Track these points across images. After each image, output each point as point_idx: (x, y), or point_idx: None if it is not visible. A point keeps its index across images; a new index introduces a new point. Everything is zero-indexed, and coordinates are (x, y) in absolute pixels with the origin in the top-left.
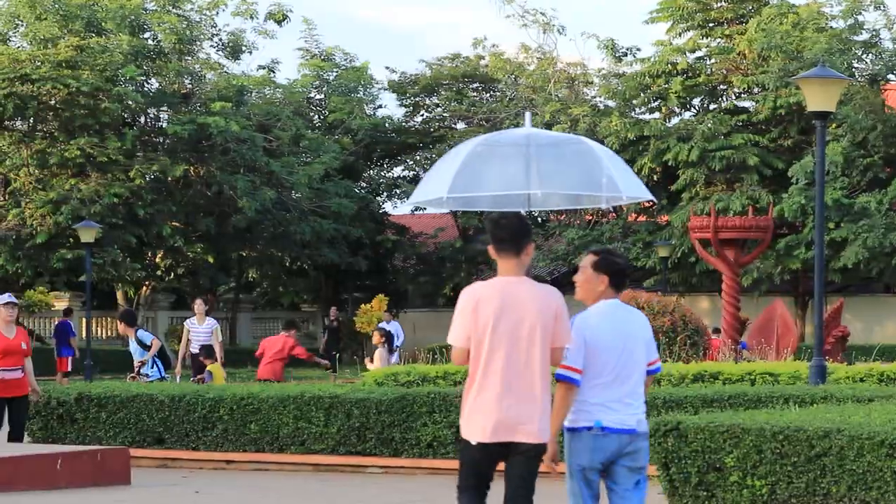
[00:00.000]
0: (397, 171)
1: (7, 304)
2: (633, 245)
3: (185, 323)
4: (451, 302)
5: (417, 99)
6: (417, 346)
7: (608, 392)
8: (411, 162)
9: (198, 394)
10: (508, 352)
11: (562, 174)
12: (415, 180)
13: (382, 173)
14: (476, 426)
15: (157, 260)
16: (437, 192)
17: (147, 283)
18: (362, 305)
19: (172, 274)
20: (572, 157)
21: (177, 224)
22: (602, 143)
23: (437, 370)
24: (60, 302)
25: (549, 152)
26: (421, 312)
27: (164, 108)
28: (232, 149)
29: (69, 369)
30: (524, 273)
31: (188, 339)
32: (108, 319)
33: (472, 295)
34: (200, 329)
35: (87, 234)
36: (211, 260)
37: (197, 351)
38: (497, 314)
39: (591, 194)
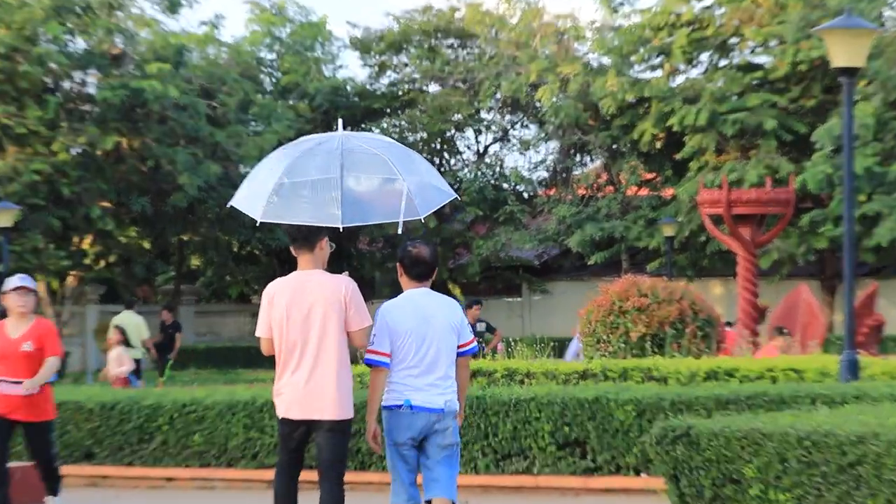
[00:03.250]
0: None
1: (18, 288)
2: (633, 223)
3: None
4: None
5: (384, 58)
6: None
7: (416, 374)
8: (377, 130)
9: (132, 400)
10: (303, 337)
11: (364, 208)
12: None
13: None
14: (282, 404)
15: (85, 246)
16: (252, 212)
17: (73, 273)
18: None
19: (103, 262)
20: (375, 185)
21: (107, 204)
22: (596, 106)
23: None
24: None
25: (355, 181)
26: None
27: (92, 72)
28: (170, 117)
29: None
30: (321, 265)
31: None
32: None
33: (269, 289)
34: None
35: (4, 218)
36: (147, 246)
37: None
38: (289, 304)
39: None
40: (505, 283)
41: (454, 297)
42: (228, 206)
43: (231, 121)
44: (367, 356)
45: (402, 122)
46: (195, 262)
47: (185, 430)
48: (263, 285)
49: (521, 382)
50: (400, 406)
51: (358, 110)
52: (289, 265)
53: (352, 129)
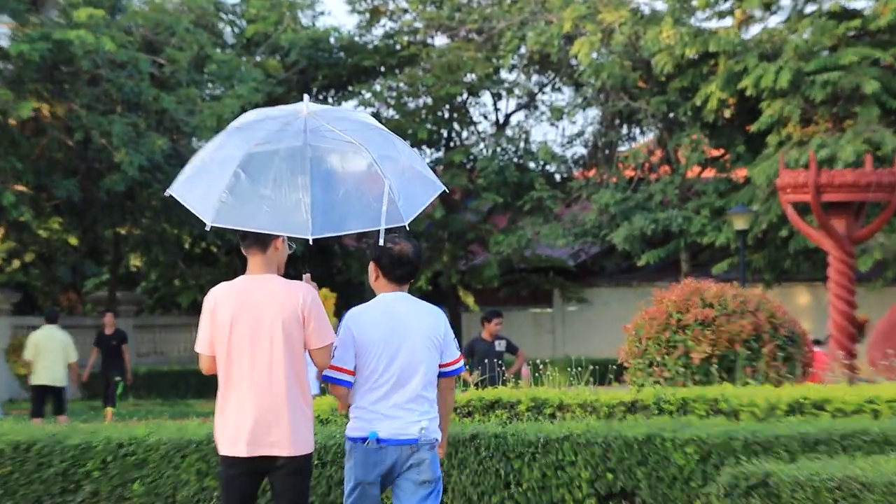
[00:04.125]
0: (348, 106)
1: None
2: (695, 213)
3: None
4: (427, 297)
5: (377, 3)
6: None
7: (385, 397)
8: (368, 94)
9: (54, 440)
10: (249, 356)
11: (339, 214)
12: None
13: None
14: (225, 438)
15: None
16: (202, 212)
17: None
18: None
19: (16, 262)
20: (351, 185)
21: (23, 189)
22: (648, 63)
23: None
24: None
25: (326, 180)
26: None
27: (4, 19)
28: (104, 77)
29: None
30: (275, 269)
31: None
32: None
33: (211, 296)
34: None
35: None
36: (73, 242)
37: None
38: (234, 316)
39: (373, 228)
40: (531, 289)
41: (465, 307)
42: (167, 193)
43: (182, 82)
44: (326, 372)
45: (401, 85)
46: (135, 262)
47: (121, 478)
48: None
49: (552, 417)
50: (364, 439)
51: (344, 69)
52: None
53: (336, 94)
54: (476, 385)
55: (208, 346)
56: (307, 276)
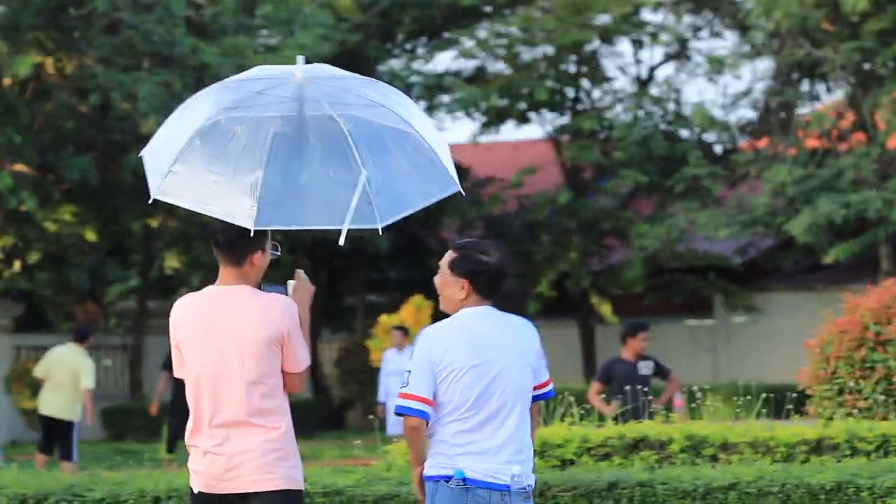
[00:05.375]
0: (443, 59)
1: None
2: None
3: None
4: (551, 307)
5: None
6: None
7: (471, 431)
8: (470, 43)
9: (72, 491)
10: (212, 378)
11: (294, 205)
12: (475, 78)
13: (414, 66)
14: (191, 470)
15: None
16: (152, 179)
17: None
18: (382, 317)
19: (17, 264)
20: (317, 172)
21: (23, 169)
22: (836, 1)
23: (567, 436)
24: None
25: (289, 159)
26: None
27: None
28: (126, 22)
29: None
30: (251, 281)
31: None
32: None
33: (173, 312)
34: None
35: None
36: (91, 237)
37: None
38: (196, 336)
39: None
40: (685, 295)
41: (600, 318)
42: (140, 155)
43: (227, 29)
44: (400, 403)
45: (513, 30)
46: (171, 263)
47: None
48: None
49: (714, 459)
50: (448, 478)
51: (438, 10)
52: (327, 266)
53: (427, 42)
54: (615, 419)
55: (178, 366)
56: (300, 272)
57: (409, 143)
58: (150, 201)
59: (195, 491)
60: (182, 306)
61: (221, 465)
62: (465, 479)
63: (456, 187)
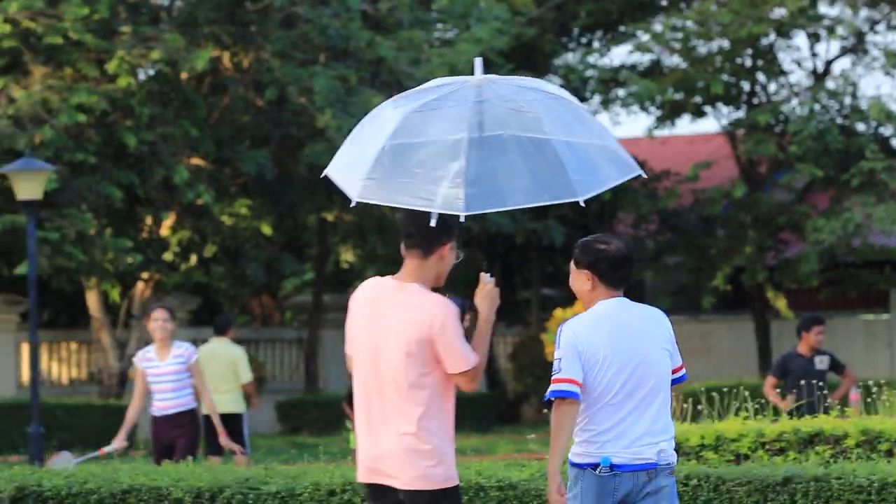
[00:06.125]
0: (619, 53)
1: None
2: None
3: (135, 359)
4: (726, 301)
5: None
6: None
7: (618, 419)
8: (646, 37)
9: (247, 485)
10: (371, 372)
11: (500, 185)
12: (651, 72)
13: (589, 60)
14: (357, 460)
15: (165, 232)
16: (349, 187)
17: (146, 276)
18: (557, 310)
19: (193, 258)
20: (514, 156)
21: (200, 163)
22: None
23: (703, 433)
24: None
25: (490, 147)
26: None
27: None
28: (302, 16)
29: None
30: (429, 280)
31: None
32: (74, 346)
33: (356, 293)
34: (164, 369)
35: (29, 185)
36: (266, 231)
37: (163, 412)
38: (359, 326)
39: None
40: (861, 289)
41: (775, 312)
42: (322, 176)
43: (403, 23)
44: (552, 387)
45: (689, 24)
46: (346, 256)
47: None
48: (462, 294)
49: (889, 454)
50: (595, 465)
51: (614, 3)
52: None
53: (603, 36)
54: (790, 413)
55: (348, 343)
56: (485, 276)
57: (591, 127)
58: (352, 205)
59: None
60: (361, 289)
61: (371, 455)
62: (612, 466)
63: (637, 170)
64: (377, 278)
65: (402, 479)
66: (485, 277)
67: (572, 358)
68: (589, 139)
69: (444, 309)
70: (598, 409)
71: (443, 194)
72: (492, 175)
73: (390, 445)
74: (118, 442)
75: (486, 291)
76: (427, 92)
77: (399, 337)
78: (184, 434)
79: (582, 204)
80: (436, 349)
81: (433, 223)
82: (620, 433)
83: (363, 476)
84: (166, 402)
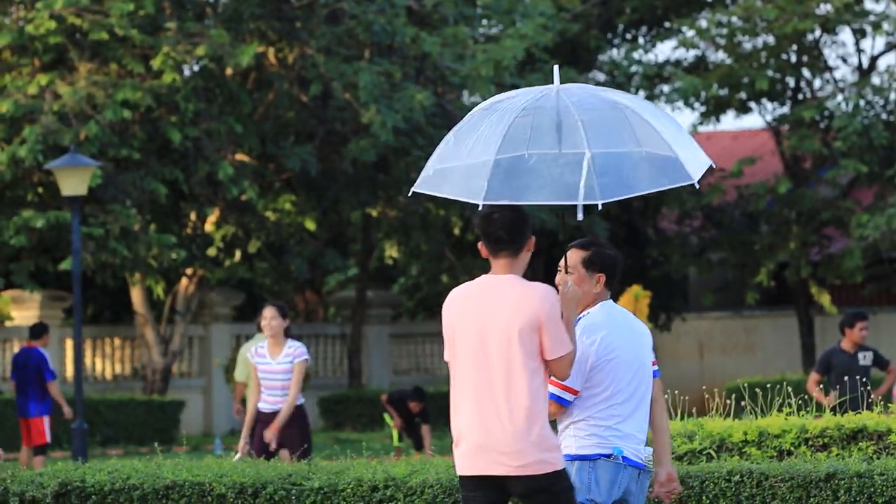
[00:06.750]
0: (664, 49)
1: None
2: None
3: (248, 354)
4: (770, 297)
5: None
6: (706, 385)
7: (625, 416)
8: (691, 32)
9: (290, 481)
10: (475, 365)
11: (622, 174)
12: (695, 68)
13: (634, 55)
14: (457, 455)
15: (209, 228)
16: (471, 195)
17: (190, 271)
18: None
19: (238, 254)
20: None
21: (245, 159)
22: None
23: (746, 429)
24: (23, 310)
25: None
26: (711, 318)
27: None
28: (347, 12)
29: (47, 440)
30: (519, 269)
31: (258, 386)
32: (118, 342)
33: (448, 297)
34: (275, 367)
35: (73, 180)
36: (310, 227)
37: (269, 408)
38: (460, 320)
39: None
40: None
41: (819, 308)
42: (412, 192)
43: (448, 19)
44: (550, 388)
45: (734, 19)
46: (391, 252)
47: None
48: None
49: None
50: (609, 455)
51: (659, 1)
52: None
53: (648, 31)
54: (833, 409)
55: (447, 351)
56: (567, 280)
57: (648, 137)
58: (479, 209)
59: (459, 474)
60: (453, 295)
61: (479, 444)
62: (623, 457)
63: (690, 179)
64: (467, 283)
65: (516, 465)
66: (566, 281)
67: (582, 363)
68: (677, 128)
69: (550, 296)
70: (605, 407)
71: (565, 186)
72: (617, 165)
73: (502, 433)
74: (243, 441)
75: (571, 294)
76: (513, 100)
77: (509, 325)
78: (293, 430)
79: (696, 185)
80: (541, 334)
81: (580, 216)
82: (624, 430)
83: (467, 467)
84: (275, 398)
